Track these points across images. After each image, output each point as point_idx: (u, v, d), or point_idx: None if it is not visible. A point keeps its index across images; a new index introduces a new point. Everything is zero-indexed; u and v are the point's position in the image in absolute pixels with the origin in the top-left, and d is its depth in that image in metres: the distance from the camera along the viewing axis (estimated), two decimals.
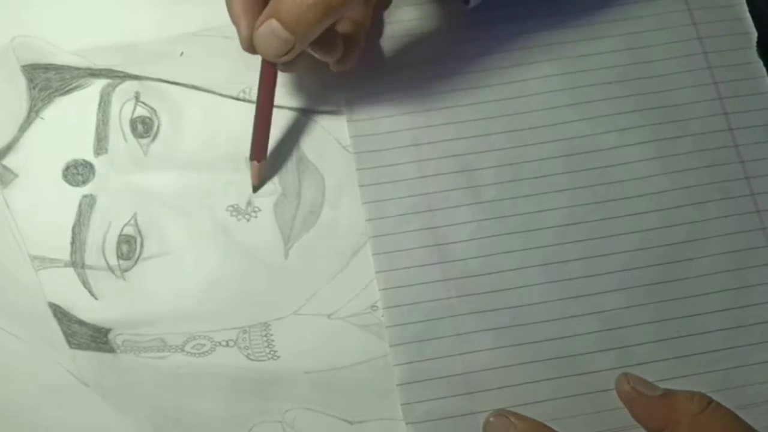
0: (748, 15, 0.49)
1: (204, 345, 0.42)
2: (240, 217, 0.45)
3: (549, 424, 0.39)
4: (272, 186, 0.45)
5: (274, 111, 0.44)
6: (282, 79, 0.47)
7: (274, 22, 0.39)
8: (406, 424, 0.41)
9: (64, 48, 0.47)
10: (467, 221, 0.45)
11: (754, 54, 0.48)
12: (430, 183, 0.45)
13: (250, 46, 0.41)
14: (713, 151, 0.46)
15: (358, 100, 0.47)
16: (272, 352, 0.42)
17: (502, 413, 0.40)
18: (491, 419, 0.40)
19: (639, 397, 0.40)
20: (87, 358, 0.42)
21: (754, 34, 0.48)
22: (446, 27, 0.49)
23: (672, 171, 0.46)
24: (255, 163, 0.45)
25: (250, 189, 0.45)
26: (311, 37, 0.40)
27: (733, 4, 0.49)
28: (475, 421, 0.41)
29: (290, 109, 0.47)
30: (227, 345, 0.42)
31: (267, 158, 0.45)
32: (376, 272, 0.44)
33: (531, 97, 0.47)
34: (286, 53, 0.40)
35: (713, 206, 0.45)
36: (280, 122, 0.46)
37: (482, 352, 0.42)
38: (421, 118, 0.47)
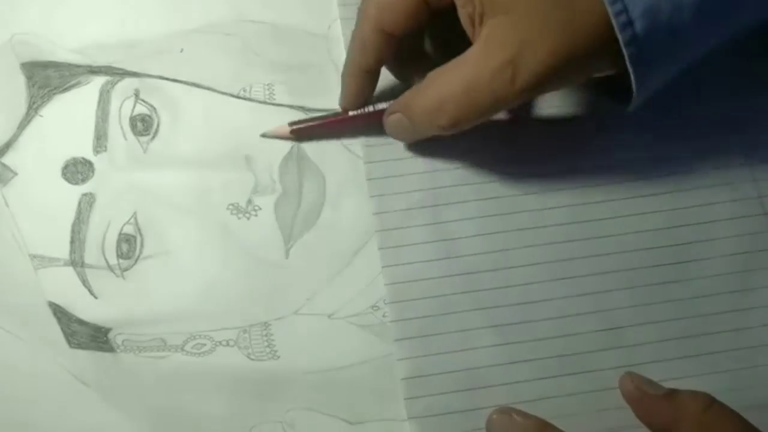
0: None
1: (204, 345, 0.42)
2: (240, 215, 0.45)
3: (552, 421, 0.39)
4: (273, 184, 0.45)
5: (275, 110, 0.44)
6: (282, 77, 0.47)
7: (404, 120, 0.43)
8: (409, 418, 0.41)
9: (64, 45, 0.47)
10: (474, 217, 0.44)
11: None
12: (437, 177, 0.45)
13: (346, 105, 0.45)
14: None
15: None
16: (272, 352, 0.42)
17: (505, 410, 0.40)
18: (494, 416, 0.40)
19: (642, 397, 0.40)
20: (87, 357, 0.42)
21: None
22: None
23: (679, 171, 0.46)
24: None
25: (251, 187, 0.45)
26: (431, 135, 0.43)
27: None
28: (477, 417, 0.41)
29: (291, 107, 0.47)
30: (227, 345, 0.42)
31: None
32: (383, 267, 0.44)
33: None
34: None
35: (720, 208, 0.45)
36: (280, 120, 0.46)
37: (486, 349, 0.42)
38: None
